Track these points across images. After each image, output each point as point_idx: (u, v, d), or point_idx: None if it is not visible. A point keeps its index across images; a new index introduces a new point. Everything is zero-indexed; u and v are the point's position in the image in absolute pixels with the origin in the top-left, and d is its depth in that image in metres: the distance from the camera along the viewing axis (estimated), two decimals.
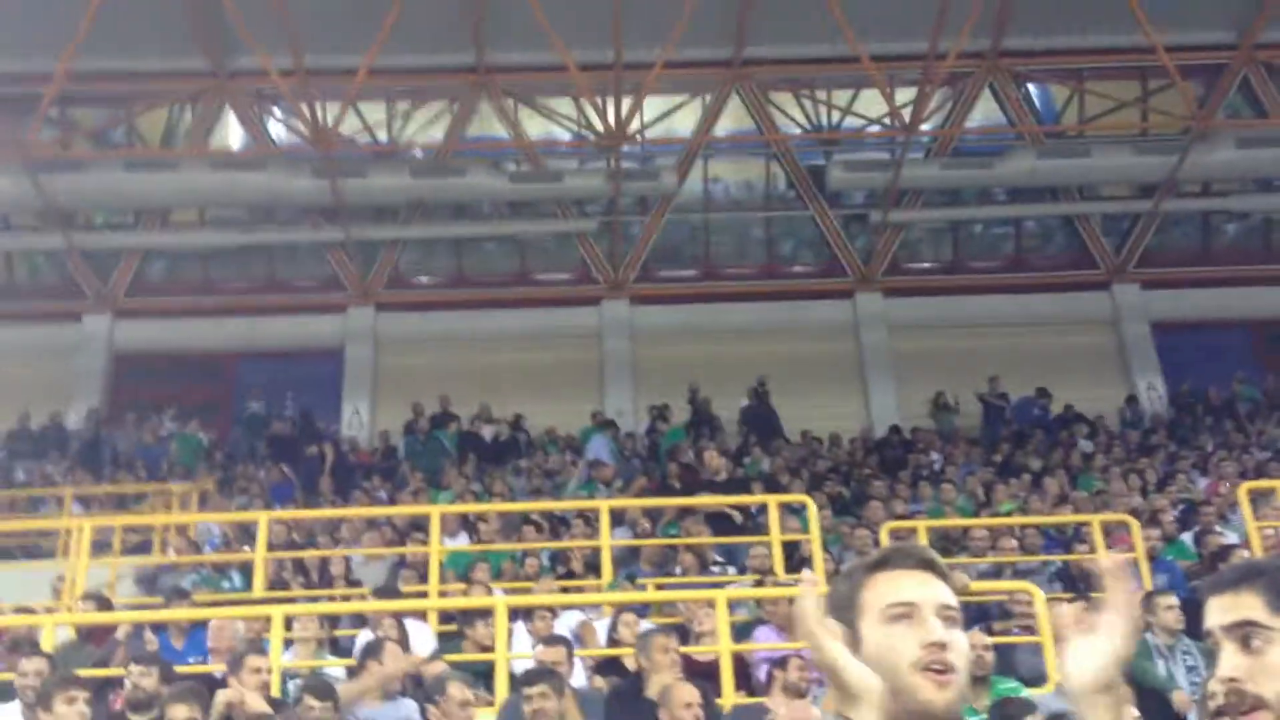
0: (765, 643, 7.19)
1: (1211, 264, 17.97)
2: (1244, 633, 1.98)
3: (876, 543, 8.64)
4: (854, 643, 2.00)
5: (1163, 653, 6.65)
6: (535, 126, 18.06)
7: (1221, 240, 18.16)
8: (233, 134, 18.31)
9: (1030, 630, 7.22)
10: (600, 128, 16.02)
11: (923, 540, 9.13)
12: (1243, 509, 8.72)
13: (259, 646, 6.50)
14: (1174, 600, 6.85)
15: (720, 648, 6.65)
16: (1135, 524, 8.93)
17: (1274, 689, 1.93)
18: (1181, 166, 16.19)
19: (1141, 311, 17.79)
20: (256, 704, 5.62)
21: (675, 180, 17.37)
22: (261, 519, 9.53)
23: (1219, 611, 2.02)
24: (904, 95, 16.59)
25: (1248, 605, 2.01)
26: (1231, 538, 8.86)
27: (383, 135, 17.86)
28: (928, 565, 2.10)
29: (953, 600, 2.03)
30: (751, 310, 17.90)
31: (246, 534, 10.54)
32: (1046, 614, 7.05)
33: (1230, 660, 2.00)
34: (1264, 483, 9.10)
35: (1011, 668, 6.83)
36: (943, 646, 1.96)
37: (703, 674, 6.25)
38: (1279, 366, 17.11)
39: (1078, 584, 8.43)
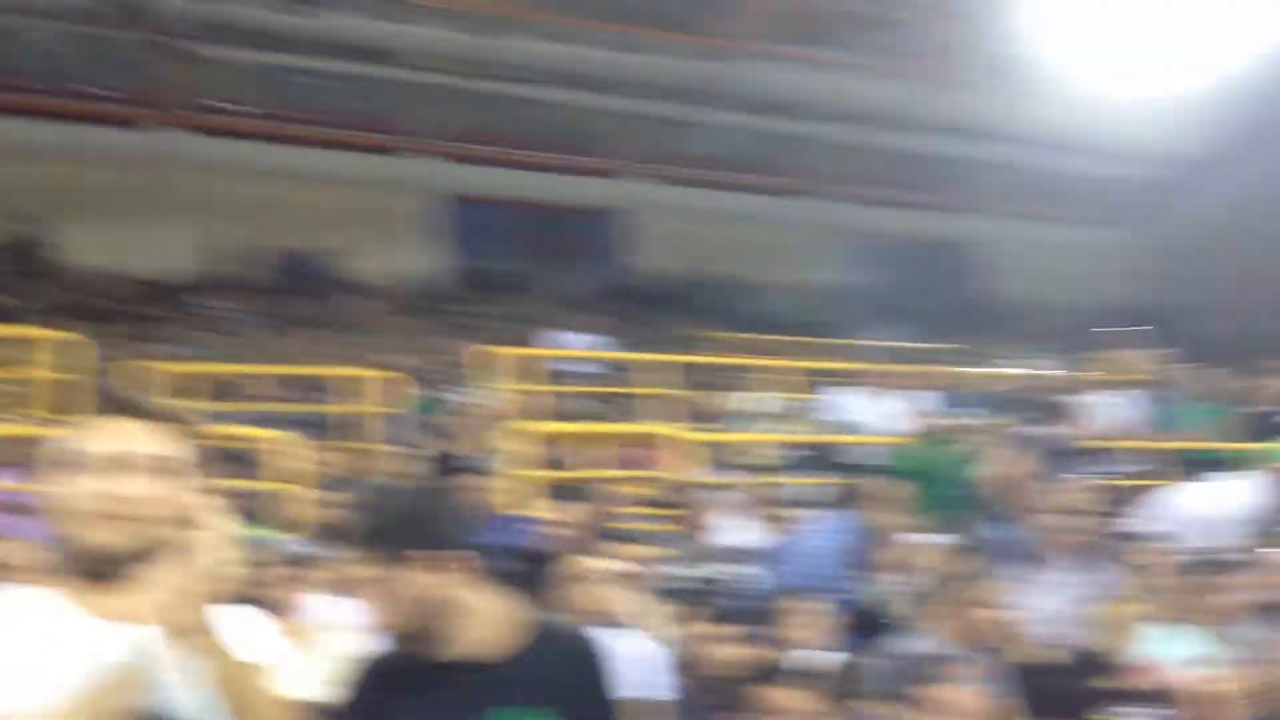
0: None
1: (506, 146, 19.08)
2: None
3: (150, 388, 8.36)
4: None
5: None
6: None
7: (516, 125, 19.25)
8: None
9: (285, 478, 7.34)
10: None
11: (199, 386, 8.96)
12: (488, 373, 9.57)
13: None
14: None
15: None
16: (404, 378, 9.61)
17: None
18: (492, 49, 16.96)
19: (441, 182, 18.54)
20: None
21: None
22: None
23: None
24: None
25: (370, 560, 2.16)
26: (485, 398, 9.55)
27: None
28: (136, 413, 2.07)
29: (161, 449, 2.00)
30: (39, 130, 16.22)
31: None
32: (299, 460, 7.35)
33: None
34: (507, 349, 9.91)
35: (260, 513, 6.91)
36: (114, 496, 1.95)
37: None
38: (548, 244, 18.83)
39: (336, 433, 8.74)
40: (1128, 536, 6.34)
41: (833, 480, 7.74)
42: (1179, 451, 9.38)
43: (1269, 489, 7.00)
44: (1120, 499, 8.31)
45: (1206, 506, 7.06)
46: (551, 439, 8.54)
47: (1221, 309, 19.31)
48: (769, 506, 7.37)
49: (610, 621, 4.62)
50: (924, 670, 4.45)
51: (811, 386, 11.25)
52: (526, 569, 5.58)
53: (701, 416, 9.96)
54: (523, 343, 11.01)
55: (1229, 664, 4.98)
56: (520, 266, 18.10)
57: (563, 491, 6.65)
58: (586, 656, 2.35)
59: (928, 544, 6.34)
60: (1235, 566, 5.66)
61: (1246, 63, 14.54)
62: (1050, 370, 12.16)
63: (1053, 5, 13.50)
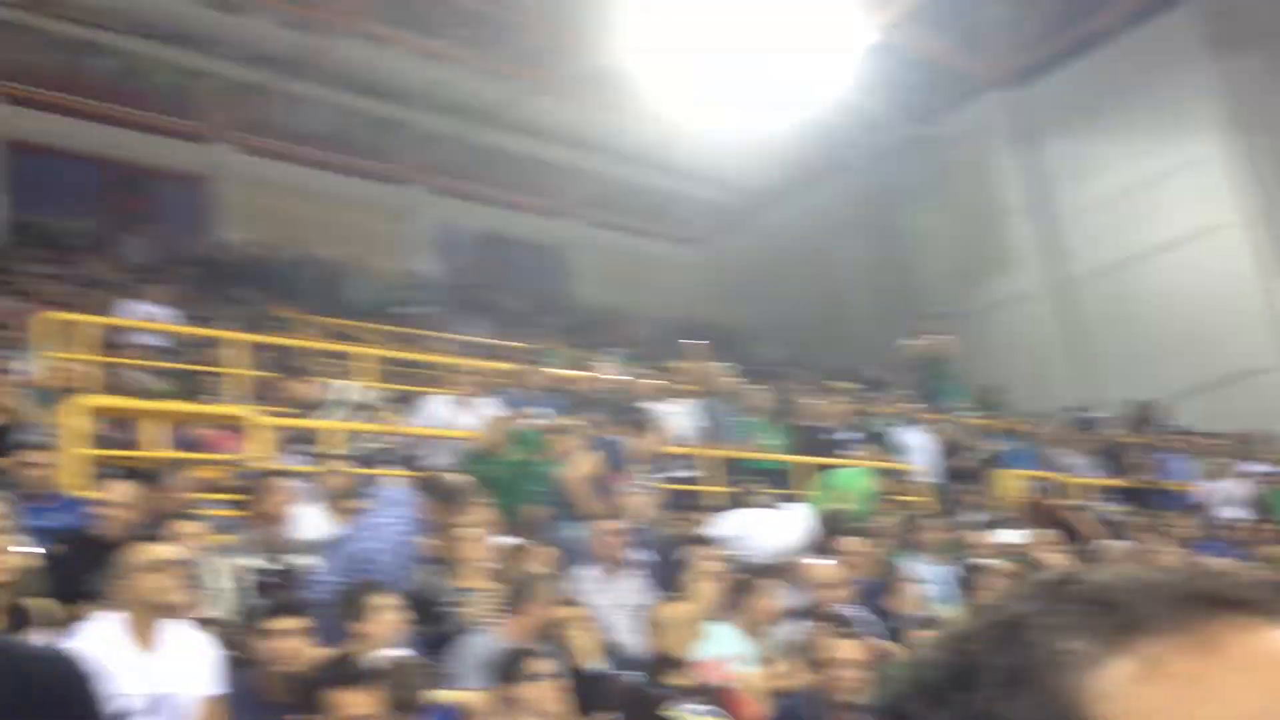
0: None
1: (80, 94, 17.63)
2: None
3: None
4: None
5: None
6: None
7: (93, 74, 17.84)
8: None
9: None
10: None
11: None
12: (43, 340, 8.85)
13: None
14: None
15: None
16: None
17: None
18: None
19: None
20: None
21: None
22: None
23: None
24: None
25: None
26: (37, 366, 8.80)
27: None
28: None
29: None
30: None
31: None
32: None
33: None
34: (66, 315, 9.18)
35: None
36: None
37: None
38: (119, 205, 17.59)
39: None
40: (688, 541, 6.72)
41: (408, 474, 7.72)
42: (736, 461, 10.05)
43: (811, 514, 7.78)
44: (682, 505, 8.82)
45: (759, 523, 7.69)
46: (111, 415, 7.99)
47: (779, 330, 20.88)
48: (342, 498, 7.24)
49: (165, 612, 4.38)
50: (498, 667, 4.53)
51: (393, 377, 11.16)
52: (74, 553, 5.20)
53: (277, 400, 9.63)
54: (84, 309, 10.16)
55: (767, 661, 5.39)
56: (86, 227, 16.69)
57: (121, 472, 6.22)
58: (54, 676, 2.20)
59: (502, 542, 6.44)
60: (777, 575, 6.15)
61: (816, 107, 15.86)
62: (625, 376, 12.67)
63: (652, 29, 14.14)
